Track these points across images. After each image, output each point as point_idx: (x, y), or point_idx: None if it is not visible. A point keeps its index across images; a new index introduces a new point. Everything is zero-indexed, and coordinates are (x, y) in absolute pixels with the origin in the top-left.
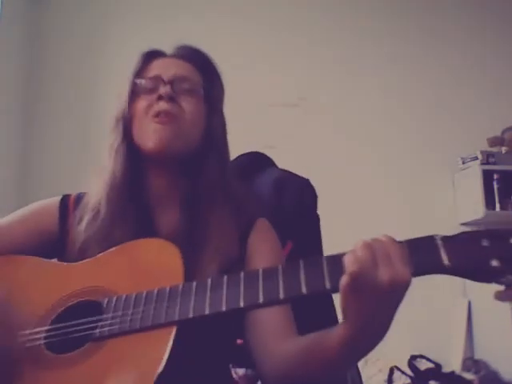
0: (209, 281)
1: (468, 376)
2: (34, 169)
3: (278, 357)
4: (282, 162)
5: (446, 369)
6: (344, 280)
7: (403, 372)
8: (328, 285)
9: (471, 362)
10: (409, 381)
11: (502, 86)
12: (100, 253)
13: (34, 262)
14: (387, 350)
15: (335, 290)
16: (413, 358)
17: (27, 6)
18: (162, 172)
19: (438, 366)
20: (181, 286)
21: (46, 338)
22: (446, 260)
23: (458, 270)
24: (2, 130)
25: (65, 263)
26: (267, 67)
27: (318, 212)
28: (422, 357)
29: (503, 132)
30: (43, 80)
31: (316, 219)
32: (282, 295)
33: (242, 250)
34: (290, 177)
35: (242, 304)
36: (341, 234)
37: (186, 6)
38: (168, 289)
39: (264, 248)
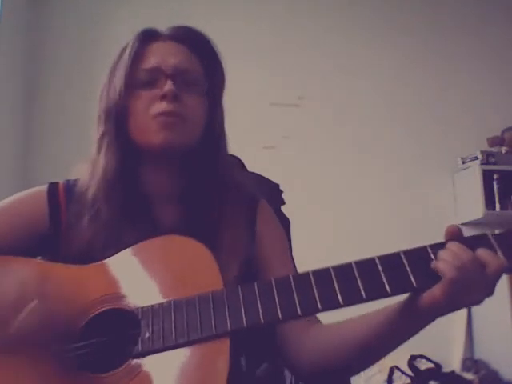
0: (255, 285)
1: (468, 376)
2: (33, 170)
3: (317, 343)
4: (282, 162)
5: (445, 369)
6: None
7: (403, 372)
8: (389, 290)
9: (471, 362)
10: (409, 381)
11: (502, 86)
12: (109, 255)
13: (38, 265)
14: None
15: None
16: (413, 358)
17: (27, 5)
18: (160, 167)
19: (438, 366)
20: (225, 292)
21: (75, 355)
22: (504, 260)
23: None
24: (3, 129)
25: (74, 266)
26: (267, 67)
27: (317, 211)
28: (422, 357)
29: (503, 132)
30: (43, 79)
31: (283, 223)
32: (341, 301)
33: (251, 238)
34: (262, 180)
35: (299, 311)
36: (341, 233)
37: (186, 5)
38: (210, 295)
39: (273, 235)
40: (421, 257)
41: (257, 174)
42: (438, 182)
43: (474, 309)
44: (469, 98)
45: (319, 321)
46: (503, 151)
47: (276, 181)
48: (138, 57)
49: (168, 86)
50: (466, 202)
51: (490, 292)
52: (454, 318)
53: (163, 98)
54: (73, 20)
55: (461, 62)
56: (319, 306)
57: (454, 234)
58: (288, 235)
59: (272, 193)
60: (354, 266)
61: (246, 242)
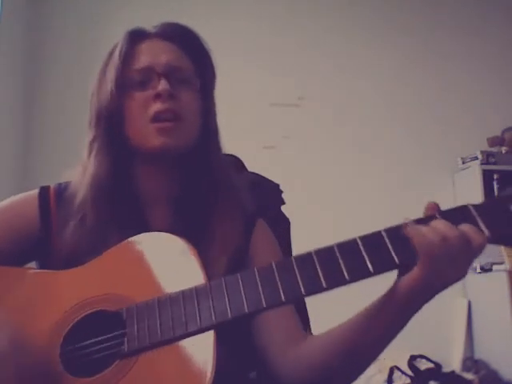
0: (238, 276)
1: (468, 376)
2: (33, 170)
3: (301, 357)
4: (282, 162)
5: (445, 369)
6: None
7: (403, 372)
8: (371, 268)
9: (471, 362)
10: (409, 381)
11: (502, 86)
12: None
13: (23, 273)
14: (387, 350)
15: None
16: (413, 358)
17: (27, 5)
18: (156, 169)
19: (438, 366)
20: (208, 286)
21: (62, 360)
22: (485, 231)
23: (495, 239)
24: (3, 128)
25: (59, 271)
26: (267, 67)
27: (317, 211)
28: (422, 357)
29: (503, 132)
30: (43, 79)
31: (283, 223)
32: (324, 284)
33: (246, 245)
34: (262, 180)
35: (283, 298)
36: (340, 233)
37: (187, 5)
38: (194, 290)
39: (267, 248)
40: (403, 233)
41: (257, 174)
42: (438, 181)
43: (474, 309)
44: (469, 98)
45: (306, 335)
46: (503, 151)
47: (276, 181)
48: (127, 57)
49: (162, 85)
50: (466, 202)
51: (468, 268)
52: (454, 317)
53: (157, 97)
54: (73, 20)
55: (461, 62)
56: (302, 290)
57: (434, 211)
58: (288, 235)
59: (272, 193)
60: (335, 248)
61: (237, 235)
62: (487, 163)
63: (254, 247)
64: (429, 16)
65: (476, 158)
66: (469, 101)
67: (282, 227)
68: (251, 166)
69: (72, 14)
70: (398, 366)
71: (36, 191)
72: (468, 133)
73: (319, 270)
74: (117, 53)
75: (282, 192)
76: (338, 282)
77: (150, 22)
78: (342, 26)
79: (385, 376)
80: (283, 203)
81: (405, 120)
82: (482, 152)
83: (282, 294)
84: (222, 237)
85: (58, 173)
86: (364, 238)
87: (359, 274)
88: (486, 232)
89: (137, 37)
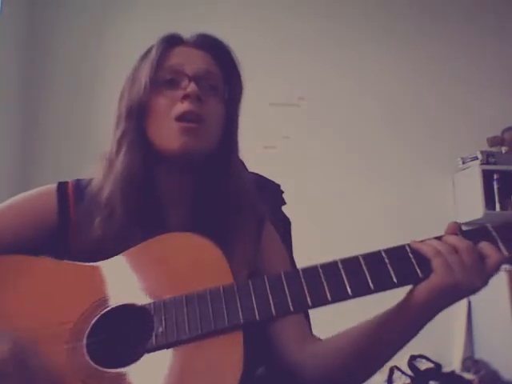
0: (265, 278)
1: (468, 376)
2: (33, 171)
3: (318, 355)
4: (282, 162)
5: (445, 369)
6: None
7: (403, 372)
8: (395, 280)
9: (471, 362)
10: (409, 381)
11: (503, 86)
12: (119, 253)
13: (49, 263)
14: None
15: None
16: (413, 357)
17: (27, 4)
18: (175, 171)
19: (438, 365)
20: (236, 286)
21: (88, 351)
22: (504, 251)
23: None
24: (3, 128)
25: (84, 263)
26: (267, 67)
27: (317, 211)
28: (421, 357)
29: (503, 132)
30: (43, 78)
31: (284, 223)
32: (350, 292)
33: (257, 251)
34: (262, 180)
35: (309, 302)
36: (341, 233)
37: (186, 5)
38: (221, 288)
39: (275, 250)
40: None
41: (257, 174)
42: (438, 181)
43: (474, 308)
44: (469, 98)
45: (317, 339)
46: (503, 151)
47: (276, 181)
48: (162, 57)
49: (191, 87)
50: (466, 202)
51: (485, 283)
52: (454, 317)
53: (185, 98)
54: (73, 20)
55: (461, 62)
56: (329, 297)
57: (455, 230)
58: (289, 235)
59: (273, 193)
60: (360, 258)
61: (253, 252)
62: (487, 163)
63: (263, 249)
64: (429, 17)
65: (476, 158)
66: (469, 101)
67: (282, 227)
68: (251, 166)
69: (72, 13)
70: (398, 365)
71: (54, 186)
72: (468, 133)
73: (345, 278)
74: (153, 51)
75: (282, 192)
76: (363, 291)
77: (149, 22)
78: (342, 26)
79: (385, 376)
80: (284, 203)
81: (405, 120)
82: (481, 152)
83: (308, 299)
84: (242, 251)
85: (58, 174)
86: (388, 251)
87: (384, 285)
88: (506, 252)
89: (173, 41)
